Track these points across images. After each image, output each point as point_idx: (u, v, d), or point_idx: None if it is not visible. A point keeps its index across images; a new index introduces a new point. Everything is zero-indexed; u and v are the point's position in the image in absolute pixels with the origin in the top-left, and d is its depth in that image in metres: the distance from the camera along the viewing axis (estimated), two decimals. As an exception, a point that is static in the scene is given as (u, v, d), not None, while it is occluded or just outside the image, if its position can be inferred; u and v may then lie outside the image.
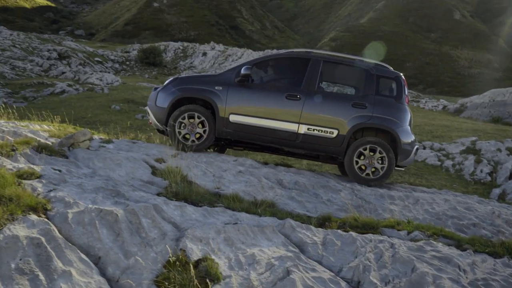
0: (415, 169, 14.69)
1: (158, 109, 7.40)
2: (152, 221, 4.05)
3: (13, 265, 3.11)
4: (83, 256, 3.43)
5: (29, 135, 5.95)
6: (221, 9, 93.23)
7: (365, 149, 7.10)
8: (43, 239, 3.37)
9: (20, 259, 3.18)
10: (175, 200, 4.78)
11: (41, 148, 5.43)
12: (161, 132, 7.78)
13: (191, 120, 7.21)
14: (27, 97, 33.05)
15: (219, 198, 5.24)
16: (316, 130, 7.13)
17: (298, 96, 7.16)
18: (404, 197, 6.48)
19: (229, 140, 7.66)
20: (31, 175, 4.43)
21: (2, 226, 3.39)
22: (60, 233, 3.56)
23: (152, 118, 7.53)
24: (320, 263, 4.03)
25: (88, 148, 6.04)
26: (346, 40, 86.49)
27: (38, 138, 5.86)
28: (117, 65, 57.05)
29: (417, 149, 7.46)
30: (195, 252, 3.73)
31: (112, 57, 58.54)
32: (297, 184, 6.42)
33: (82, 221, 3.76)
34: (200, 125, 7.22)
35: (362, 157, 7.12)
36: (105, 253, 3.52)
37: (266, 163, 7.66)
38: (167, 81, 7.67)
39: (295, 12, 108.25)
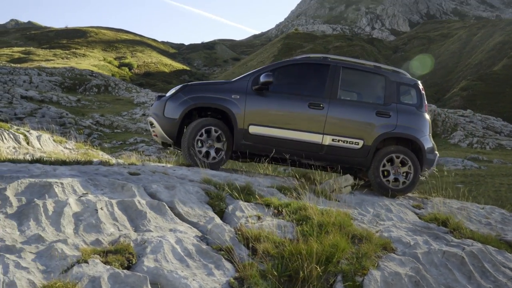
0: None
1: (167, 120, 6.60)
2: (492, 265, 3.93)
3: (403, 302, 3.14)
4: (453, 296, 3.38)
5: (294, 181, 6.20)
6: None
7: (390, 159, 6.70)
8: (418, 277, 3.39)
9: (406, 296, 3.21)
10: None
11: (316, 192, 5.64)
12: (165, 145, 7.17)
13: (209, 135, 6.51)
14: (173, 151, 35.49)
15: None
16: (341, 141, 6.64)
17: (321, 105, 6.66)
18: None
19: (240, 153, 6.78)
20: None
21: (375, 263, 3.47)
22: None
23: (159, 130, 6.72)
24: None
25: (348, 193, 6.16)
26: (479, 89, 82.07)
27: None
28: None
29: (437, 157, 7.11)
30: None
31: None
32: None
33: (432, 261, 3.76)
34: (217, 140, 6.57)
35: (387, 167, 6.71)
36: (470, 295, 3.44)
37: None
38: (174, 90, 6.90)
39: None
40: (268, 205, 4.56)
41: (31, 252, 2.96)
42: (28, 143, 12.23)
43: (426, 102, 7.27)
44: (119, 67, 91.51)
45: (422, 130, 6.97)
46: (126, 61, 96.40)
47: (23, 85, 54.39)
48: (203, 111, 6.75)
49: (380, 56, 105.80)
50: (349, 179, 6.23)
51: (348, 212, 4.63)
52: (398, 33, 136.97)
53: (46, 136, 13.67)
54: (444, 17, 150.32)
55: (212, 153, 6.50)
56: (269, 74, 6.46)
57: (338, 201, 5.79)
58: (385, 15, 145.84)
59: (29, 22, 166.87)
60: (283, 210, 4.42)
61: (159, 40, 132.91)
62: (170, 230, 3.65)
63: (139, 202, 3.95)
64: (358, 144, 6.67)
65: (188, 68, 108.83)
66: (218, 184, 4.97)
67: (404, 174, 6.74)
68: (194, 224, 3.94)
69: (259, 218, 4.15)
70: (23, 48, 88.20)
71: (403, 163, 6.74)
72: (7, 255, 2.81)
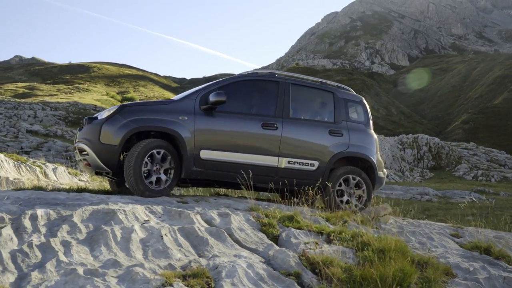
0: None
1: (104, 147, 5.62)
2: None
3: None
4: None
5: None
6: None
7: (346, 180, 6.61)
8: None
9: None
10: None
11: (360, 221, 5.68)
12: (100, 174, 6.22)
13: (153, 159, 5.68)
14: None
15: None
16: (297, 163, 6.37)
17: (275, 125, 6.29)
18: None
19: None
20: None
21: None
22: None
23: (93, 159, 5.68)
24: None
25: (387, 222, 6.19)
26: (480, 122, 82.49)
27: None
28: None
29: (386, 175, 7.02)
30: None
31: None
32: None
33: (494, 286, 3.81)
34: (162, 161, 5.76)
35: (342, 187, 6.61)
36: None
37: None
38: (108, 112, 5.95)
39: (421, 97, 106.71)
40: (320, 232, 4.60)
41: (112, 276, 3.00)
42: (44, 176, 12.31)
43: (371, 119, 7.22)
44: (121, 101, 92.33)
45: (371, 148, 6.93)
46: (129, 95, 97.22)
47: (27, 120, 54.69)
48: (143, 135, 5.92)
49: (380, 90, 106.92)
50: (387, 207, 6.27)
51: (401, 239, 4.66)
52: (398, 67, 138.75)
53: (61, 168, 13.77)
54: (443, 52, 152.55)
55: (163, 178, 5.73)
56: (220, 93, 5.88)
57: (379, 229, 5.83)
58: (384, 50, 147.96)
59: (33, 58, 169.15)
60: (339, 237, 4.46)
61: (161, 74, 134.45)
62: (235, 256, 3.68)
63: (199, 229, 4.00)
64: (313, 166, 6.49)
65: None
66: (267, 212, 5.02)
67: (357, 197, 6.68)
68: (253, 250, 3.97)
69: (316, 244, 4.18)
70: (27, 84, 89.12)
71: (357, 186, 6.69)
72: (95, 278, 2.85)
